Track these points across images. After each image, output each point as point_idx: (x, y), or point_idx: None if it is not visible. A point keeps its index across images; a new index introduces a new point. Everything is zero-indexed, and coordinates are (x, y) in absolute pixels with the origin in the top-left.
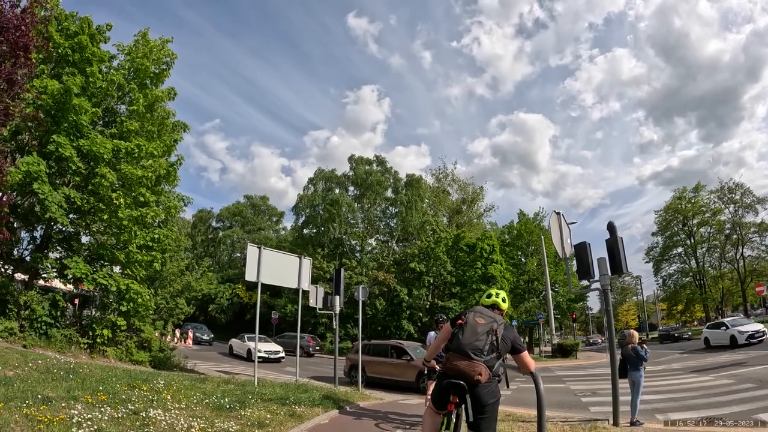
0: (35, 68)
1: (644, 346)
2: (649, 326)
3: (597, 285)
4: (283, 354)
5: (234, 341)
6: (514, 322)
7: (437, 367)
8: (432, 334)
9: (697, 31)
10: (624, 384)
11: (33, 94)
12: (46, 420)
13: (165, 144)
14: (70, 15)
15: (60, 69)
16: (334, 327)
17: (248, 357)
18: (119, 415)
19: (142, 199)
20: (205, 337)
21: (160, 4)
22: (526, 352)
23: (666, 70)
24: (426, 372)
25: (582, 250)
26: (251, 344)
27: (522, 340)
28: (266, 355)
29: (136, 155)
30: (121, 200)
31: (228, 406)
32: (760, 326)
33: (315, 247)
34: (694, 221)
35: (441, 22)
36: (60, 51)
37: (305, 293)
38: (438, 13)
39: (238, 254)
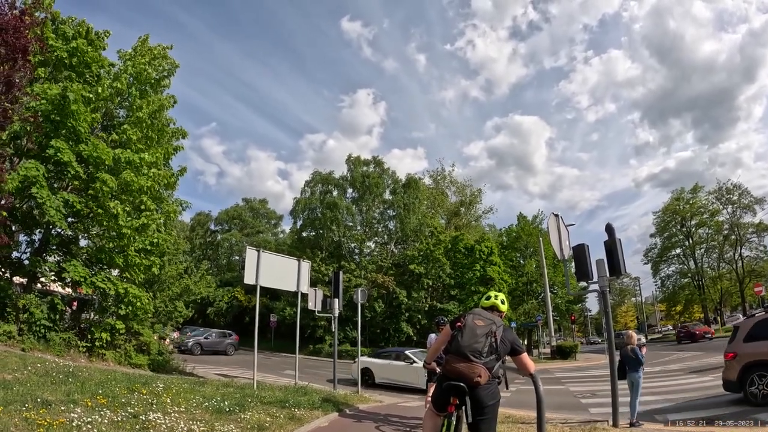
0: (33, 71)
1: (643, 348)
2: (648, 327)
3: (595, 286)
4: None
5: (372, 361)
6: (513, 324)
7: (438, 370)
8: (432, 336)
9: (692, 32)
10: (623, 385)
11: (31, 96)
12: (45, 423)
13: (165, 150)
14: (68, 19)
15: (58, 73)
16: (333, 330)
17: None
18: (119, 419)
19: (142, 207)
20: None
21: (157, 9)
22: (525, 354)
23: (661, 71)
24: (427, 374)
25: (580, 252)
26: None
27: (521, 341)
28: None
29: (137, 165)
30: (119, 209)
31: (227, 410)
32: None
33: (314, 250)
34: (693, 222)
35: (435, 25)
36: (57, 54)
37: (304, 296)
38: (432, 16)
39: (237, 257)
